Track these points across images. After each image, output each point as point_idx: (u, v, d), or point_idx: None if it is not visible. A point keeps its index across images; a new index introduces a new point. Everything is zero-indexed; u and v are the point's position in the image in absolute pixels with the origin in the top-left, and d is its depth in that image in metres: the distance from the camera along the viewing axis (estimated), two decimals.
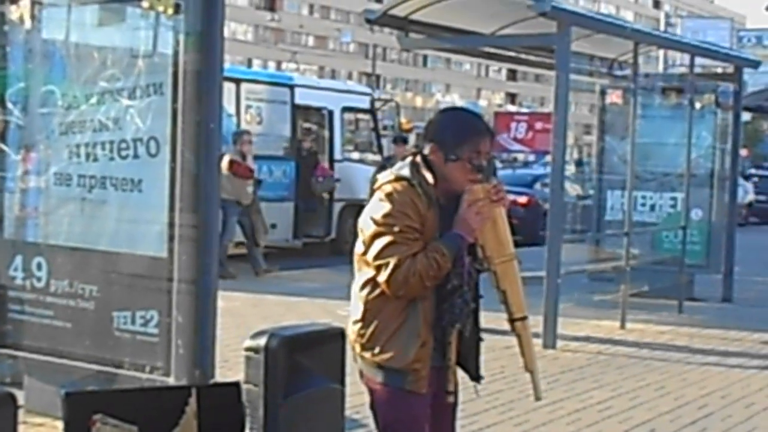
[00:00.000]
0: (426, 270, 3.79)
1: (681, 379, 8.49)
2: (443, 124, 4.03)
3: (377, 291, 3.91)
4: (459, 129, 3.96)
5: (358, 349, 3.99)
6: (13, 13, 5.53)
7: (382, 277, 3.82)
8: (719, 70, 15.65)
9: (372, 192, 4.03)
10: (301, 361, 4.56)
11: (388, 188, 3.89)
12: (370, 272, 3.91)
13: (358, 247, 3.96)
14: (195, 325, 5.00)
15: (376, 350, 3.91)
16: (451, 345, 3.97)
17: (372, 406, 4.05)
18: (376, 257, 3.83)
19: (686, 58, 12.95)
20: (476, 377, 4.19)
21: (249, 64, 71.55)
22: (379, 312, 3.90)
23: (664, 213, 13.27)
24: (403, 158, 4.06)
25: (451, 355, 3.99)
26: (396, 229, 3.80)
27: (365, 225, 3.90)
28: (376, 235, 3.83)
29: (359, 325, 3.96)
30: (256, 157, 14.32)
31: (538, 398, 4.26)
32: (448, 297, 3.89)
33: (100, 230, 5.38)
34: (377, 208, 3.87)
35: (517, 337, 4.19)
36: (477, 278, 4.03)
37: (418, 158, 3.97)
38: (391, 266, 3.78)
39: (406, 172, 3.92)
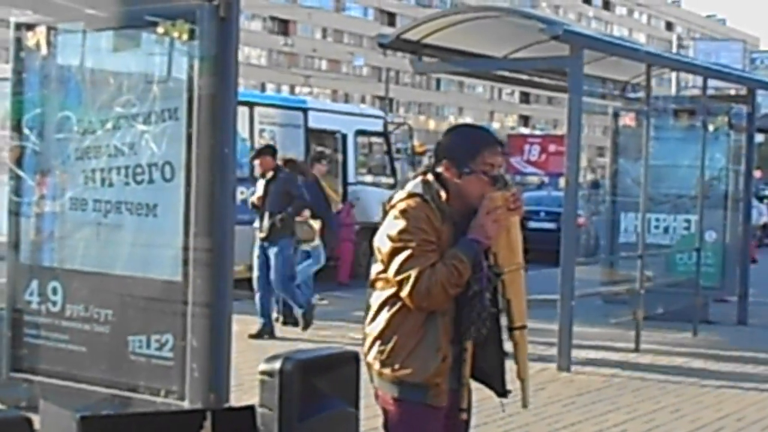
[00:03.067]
0: (447, 278, 3.82)
1: (696, 401, 8.46)
2: (453, 140, 4.09)
3: (396, 307, 3.94)
4: (470, 143, 4.02)
5: (377, 366, 4.01)
6: (29, 39, 5.56)
7: (405, 291, 3.85)
8: (732, 92, 15.67)
9: (385, 212, 4.07)
10: (316, 385, 4.56)
11: (402, 205, 3.94)
12: (389, 290, 3.94)
13: (375, 267, 4.00)
14: (210, 348, 5.01)
15: (396, 366, 3.94)
16: (466, 362, 3.99)
17: (386, 425, 4.06)
18: (397, 272, 3.86)
19: (699, 80, 12.96)
20: (502, 393, 4.20)
21: (263, 88, 71.76)
22: (398, 328, 3.94)
23: (678, 235, 13.27)
24: (415, 177, 4.10)
25: (465, 372, 4.00)
26: (413, 243, 3.85)
27: (382, 243, 3.95)
28: (394, 252, 3.88)
29: (378, 342, 3.99)
30: None
31: (525, 405, 4.32)
32: (469, 303, 3.91)
33: (116, 254, 5.40)
34: (392, 225, 3.92)
35: (514, 345, 4.22)
36: (496, 283, 4.04)
37: (429, 176, 4.02)
38: (412, 278, 3.82)
39: (418, 189, 3.97)
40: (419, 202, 3.92)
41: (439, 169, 4.02)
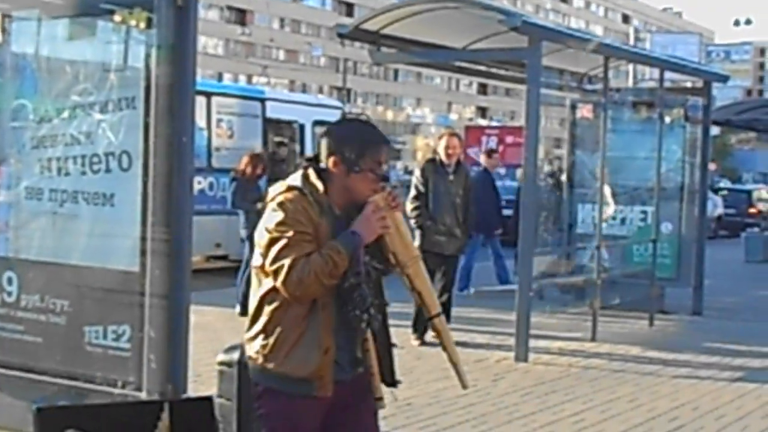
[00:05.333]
0: (321, 268, 3.81)
1: (652, 391, 8.53)
2: (343, 137, 4.04)
3: (277, 302, 3.93)
4: (359, 141, 4.00)
5: (260, 360, 3.97)
6: None
7: (279, 280, 3.84)
8: (688, 85, 15.81)
9: (264, 205, 4.06)
10: None
11: (280, 198, 3.94)
12: (268, 283, 3.93)
13: (256, 260, 3.99)
14: (167, 339, 4.98)
15: (280, 360, 3.93)
16: (368, 352, 4.00)
17: (267, 419, 4.01)
18: (273, 262, 3.86)
19: (656, 72, 13.05)
20: (392, 383, 4.19)
21: (220, 78, 71.48)
22: (279, 322, 3.92)
23: (634, 226, 13.35)
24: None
25: (372, 362, 4.01)
26: (289, 233, 3.84)
27: (260, 236, 3.95)
28: (271, 243, 3.87)
29: (261, 336, 3.96)
30: (228, 171, 14.21)
31: (464, 386, 4.36)
32: (347, 295, 3.90)
33: (72, 244, 5.35)
34: (271, 217, 3.91)
35: (437, 333, 4.27)
36: (378, 278, 4.06)
37: (311, 171, 4.01)
38: (286, 267, 3.81)
39: (297, 182, 3.98)
40: (297, 194, 3.92)
41: (329, 164, 3.98)
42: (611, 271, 11.83)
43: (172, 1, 4.83)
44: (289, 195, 3.93)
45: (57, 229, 5.39)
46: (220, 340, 8.65)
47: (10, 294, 5.57)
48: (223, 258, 16.26)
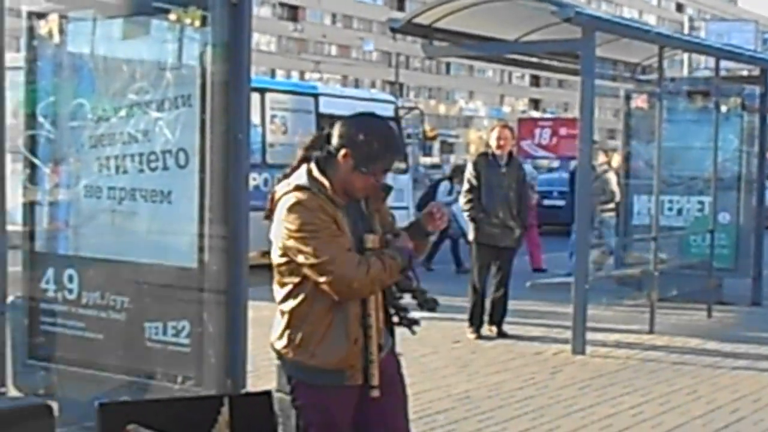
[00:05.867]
0: (379, 270, 3.85)
1: (712, 383, 8.45)
2: (362, 134, 4.00)
3: (300, 298, 3.95)
4: (380, 146, 3.99)
5: (291, 354, 4.00)
6: (41, 28, 5.57)
7: (325, 278, 3.83)
8: (745, 73, 15.57)
9: (272, 203, 4.03)
10: None
11: (292, 198, 3.91)
12: (291, 280, 3.95)
13: (277, 259, 3.98)
14: (226, 335, 5.02)
15: (309, 354, 3.95)
16: (371, 339, 3.99)
17: (303, 411, 4.05)
18: (313, 258, 3.83)
19: (711, 61, 12.89)
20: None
21: (272, 74, 71.78)
22: (305, 318, 3.94)
23: (691, 217, 13.22)
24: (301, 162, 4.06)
25: (373, 348, 4.00)
26: (318, 230, 3.84)
27: (284, 238, 3.91)
28: (302, 242, 3.84)
29: (289, 331, 3.99)
30: (282, 167, 14.26)
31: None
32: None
33: (131, 242, 5.41)
34: (290, 219, 3.88)
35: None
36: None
37: (314, 167, 3.99)
38: (333, 264, 3.80)
39: (304, 181, 3.95)
40: (308, 194, 3.90)
41: (338, 155, 3.96)
42: (669, 262, 11.72)
43: None
44: (301, 195, 3.91)
45: (116, 227, 5.45)
46: None
47: (71, 291, 5.65)
48: None
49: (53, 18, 5.54)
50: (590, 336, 9.59)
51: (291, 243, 3.88)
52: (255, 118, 15.57)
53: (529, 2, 10.13)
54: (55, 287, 5.72)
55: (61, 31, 5.59)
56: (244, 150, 5.03)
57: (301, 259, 3.86)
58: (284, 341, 4.02)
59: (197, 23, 4.97)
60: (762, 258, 13.21)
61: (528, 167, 16.00)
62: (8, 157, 5.54)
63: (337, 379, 3.95)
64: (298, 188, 3.93)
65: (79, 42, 5.65)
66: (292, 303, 3.97)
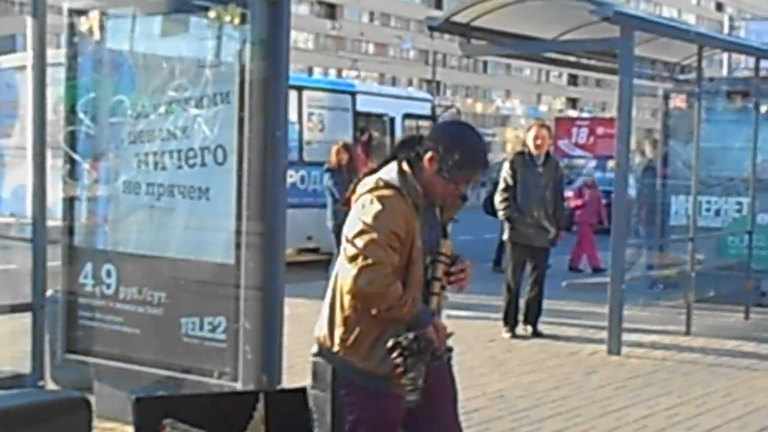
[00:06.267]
0: (394, 294, 3.83)
1: (749, 386, 8.39)
2: (452, 141, 4.01)
3: None
4: (465, 155, 3.98)
5: (341, 353, 4.01)
6: (82, 24, 5.62)
7: (352, 270, 3.82)
8: None
9: (355, 194, 4.03)
10: None
11: (378, 193, 3.92)
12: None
13: (343, 251, 3.97)
14: (262, 331, 5.05)
15: (360, 356, 3.97)
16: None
17: (351, 410, 4.05)
18: (356, 248, 3.83)
19: (751, 61, 12.79)
20: None
21: (310, 72, 71.92)
22: (361, 318, 3.94)
23: (729, 218, 13.11)
24: (391, 159, 4.05)
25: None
26: (381, 231, 3.83)
27: (351, 226, 3.91)
28: (360, 233, 3.85)
29: (341, 329, 3.99)
30: (319, 165, 14.26)
31: None
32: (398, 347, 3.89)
33: (168, 238, 5.46)
34: (366, 210, 3.89)
35: None
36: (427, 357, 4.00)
37: (406, 166, 3.99)
38: (367, 264, 3.80)
39: (395, 179, 3.95)
40: (395, 194, 3.90)
41: (424, 157, 3.97)
42: (706, 263, 11.65)
43: None
44: (387, 193, 3.91)
45: (154, 223, 5.50)
46: (312, 332, 8.73)
47: (109, 286, 5.70)
48: (315, 251, 16.37)
49: (94, 15, 5.59)
50: (626, 337, 9.54)
51: (353, 232, 3.88)
52: (292, 116, 15.63)
53: (567, 1, 10.09)
54: (94, 282, 5.77)
55: (102, 28, 5.64)
56: (282, 147, 5.06)
57: (350, 246, 3.86)
58: (336, 338, 4.02)
59: (236, 21, 5.00)
60: None
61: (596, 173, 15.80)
62: (48, 153, 5.61)
63: (387, 385, 3.95)
64: (387, 186, 3.94)
65: (119, 39, 5.70)
66: (348, 299, 3.95)
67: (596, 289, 11.25)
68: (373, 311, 3.90)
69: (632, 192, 14.33)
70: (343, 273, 3.94)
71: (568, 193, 16.69)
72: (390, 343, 3.84)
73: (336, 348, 4.03)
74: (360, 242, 3.84)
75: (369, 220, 3.86)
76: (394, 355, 3.82)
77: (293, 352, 6.59)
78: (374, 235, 3.82)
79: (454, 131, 4.14)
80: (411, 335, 3.83)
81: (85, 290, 5.81)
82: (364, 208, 3.91)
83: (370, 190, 3.95)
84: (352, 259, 3.85)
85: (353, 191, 4.06)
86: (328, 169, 12.66)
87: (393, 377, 3.91)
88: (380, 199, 3.89)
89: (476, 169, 4.04)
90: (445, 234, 4.09)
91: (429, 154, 3.98)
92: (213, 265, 5.24)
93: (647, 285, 12.10)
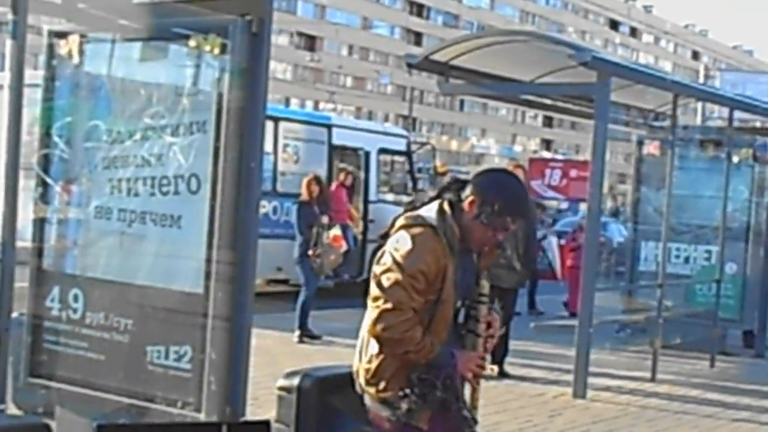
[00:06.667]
0: (411, 339, 3.86)
1: None
2: (496, 186, 4.06)
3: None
4: (506, 202, 4.01)
5: (363, 383, 4.05)
6: (62, 47, 5.60)
7: (374, 307, 3.88)
8: (758, 124, 15.61)
9: (393, 229, 4.06)
10: (333, 403, 4.58)
11: (414, 231, 3.95)
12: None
13: (372, 279, 4.01)
14: (228, 362, 5.02)
15: (381, 386, 3.99)
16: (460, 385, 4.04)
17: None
18: (380, 289, 3.88)
19: (725, 110, 12.92)
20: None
21: (287, 102, 72.01)
22: (384, 351, 3.97)
23: (698, 265, 13.20)
24: (435, 198, 4.10)
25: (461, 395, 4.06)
26: (408, 270, 3.86)
27: (382, 261, 3.96)
28: (386, 271, 3.90)
29: (366, 362, 4.04)
30: (292, 196, 14.25)
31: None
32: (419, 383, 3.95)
33: (138, 264, 5.42)
34: (399, 246, 3.93)
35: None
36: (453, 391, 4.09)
37: (446, 207, 4.02)
38: (389, 305, 3.85)
39: (433, 218, 3.98)
40: (431, 234, 3.93)
41: (465, 200, 4.01)
42: (673, 310, 11.70)
43: (247, 27, 4.90)
44: (422, 230, 3.94)
45: (124, 249, 5.46)
46: (278, 364, 8.69)
47: (75, 311, 5.65)
48: (284, 282, 16.34)
49: (74, 38, 5.57)
50: (592, 380, 9.56)
51: (382, 268, 3.91)
52: (268, 146, 15.64)
53: (546, 44, 10.18)
54: (60, 306, 5.72)
55: (81, 52, 5.62)
56: (256, 178, 5.05)
57: (374, 282, 3.91)
58: (360, 369, 4.07)
59: (216, 50, 5.00)
60: (767, 310, 13.17)
61: (617, 227, 15.76)
62: (21, 173, 5.56)
63: (403, 415, 3.96)
64: (423, 224, 3.97)
65: (98, 63, 5.67)
66: (370, 328, 3.98)
67: (564, 332, 11.27)
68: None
69: (620, 239, 14.43)
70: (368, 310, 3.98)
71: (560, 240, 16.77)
72: (401, 393, 3.92)
73: (362, 380, 4.06)
74: (385, 281, 3.88)
75: (398, 257, 3.89)
76: (403, 398, 3.90)
77: (258, 384, 6.56)
78: (399, 276, 3.85)
79: (497, 178, 4.19)
80: (417, 377, 3.90)
81: (51, 314, 5.76)
82: (397, 243, 3.95)
83: (406, 226, 3.99)
84: (375, 299, 3.91)
85: (391, 225, 4.09)
86: (298, 202, 12.67)
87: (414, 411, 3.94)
88: (413, 236, 3.92)
89: (515, 217, 4.06)
90: (478, 282, 4.12)
91: (470, 198, 4.02)
92: (181, 293, 5.20)
93: (615, 329, 12.15)
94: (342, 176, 17.08)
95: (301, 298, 12.12)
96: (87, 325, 5.59)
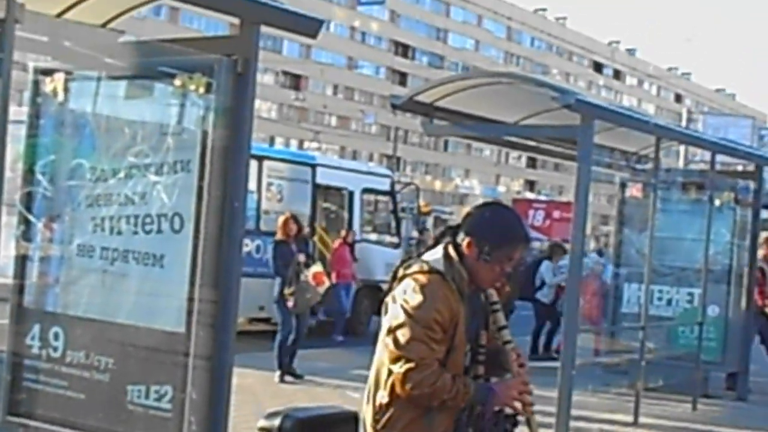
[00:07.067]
0: (442, 389, 3.78)
1: None
2: (486, 221, 4.02)
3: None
4: (501, 233, 3.98)
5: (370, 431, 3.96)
6: (47, 85, 5.61)
7: (398, 369, 3.80)
8: (740, 168, 15.70)
9: (395, 276, 4.00)
10: None
11: (422, 279, 3.87)
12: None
13: (384, 331, 3.93)
14: (209, 401, 4.99)
15: None
16: None
17: None
18: (398, 347, 3.80)
19: (707, 153, 13.00)
20: None
21: (272, 141, 72.11)
22: (395, 400, 3.88)
23: (680, 308, 13.22)
24: (434, 245, 4.05)
25: None
26: (422, 322, 3.78)
27: (395, 312, 3.86)
28: (401, 326, 3.81)
29: (377, 409, 3.93)
30: (274, 234, 14.21)
31: None
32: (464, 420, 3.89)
33: (119, 303, 5.40)
34: (407, 298, 3.84)
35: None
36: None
37: (452, 251, 3.96)
38: (412, 362, 3.76)
39: (440, 264, 3.91)
40: (440, 281, 3.86)
41: (463, 243, 3.96)
42: (656, 352, 11.70)
43: (232, 67, 4.92)
44: (432, 278, 3.87)
45: (106, 287, 5.44)
46: (259, 404, 8.65)
47: (56, 349, 5.62)
48: (266, 321, 16.29)
49: (59, 76, 5.58)
50: (573, 423, 9.52)
51: (396, 322, 3.83)
52: (251, 185, 15.64)
53: (530, 86, 10.22)
54: (40, 344, 5.68)
55: (66, 90, 5.62)
56: (240, 217, 5.05)
57: (390, 339, 3.82)
58: (370, 418, 3.96)
59: (201, 89, 5.01)
60: (749, 352, 13.19)
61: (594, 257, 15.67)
62: (3, 209, 5.55)
63: None
64: (431, 270, 3.90)
65: (83, 101, 5.68)
66: (387, 378, 3.88)
67: (546, 373, 11.24)
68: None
69: (608, 280, 14.42)
70: (387, 363, 3.87)
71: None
72: None
73: (369, 428, 3.96)
74: (401, 338, 3.79)
75: (410, 310, 3.81)
76: None
77: (239, 424, 6.53)
78: (415, 330, 3.78)
79: (485, 214, 4.13)
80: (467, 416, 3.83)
81: (31, 352, 5.72)
82: (405, 294, 3.86)
83: (413, 274, 3.91)
84: (396, 360, 3.81)
85: (396, 271, 4.02)
86: (275, 241, 12.67)
87: None
88: (422, 286, 3.85)
89: (515, 245, 4.01)
90: (486, 324, 4.04)
91: (466, 240, 3.96)
92: (163, 332, 5.18)
93: (598, 369, 12.13)
94: (344, 233, 17.11)
95: (278, 338, 12.09)
96: (67, 363, 5.56)
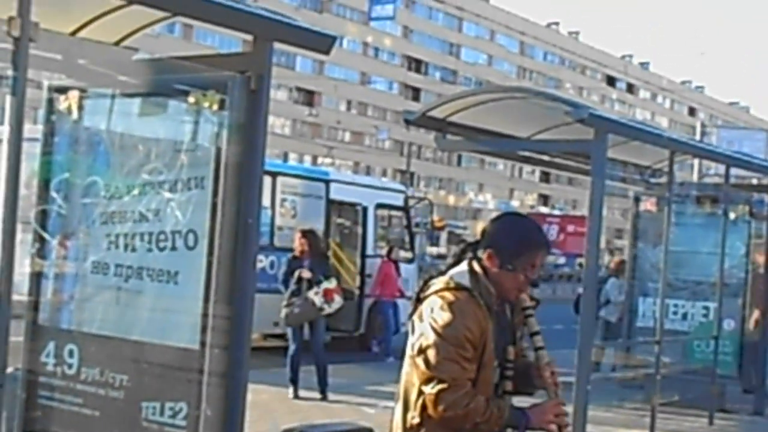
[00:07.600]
0: (477, 411, 3.75)
1: None
2: (504, 231, 4.00)
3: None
4: (519, 240, 3.96)
5: None
6: (61, 102, 5.63)
7: (430, 390, 3.76)
8: (754, 181, 15.66)
9: (422, 295, 3.96)
10: None
11: (450, 297, 3.84)
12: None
13: (412, 349, 3.88)
14: (224, 418, 4.99)
15: None
16: None
17: None
18: (429, 368, 3.76)
19: (721, 167, 12.97)
20: None
21: (285, 157, 72.25)
22: (428, 418, 3.83)
23: (696, 322, 13.17)
24: (457, 262, 4.01)
25: None
26: (452, 340, 3.74)
27: (425, 331, 3.81)
28: (432, 345, 3.77)
29: (407, 429, 3.89)
30: (289, 250, 14.25)
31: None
32: None
33: (134, 320, 5.41)
34: (435, 316, 3.80)
35: None
36: None
37: (477, 266, 3.93)
38: (444, 384, 3.73)
39: (465, 280, 3.88)
40: (467, 297, 3.83)
41: (483, 256, 3.93)
42: (671, 367, 11.66)
43: (246, 84, 4.94)
44: (460, 295, 3.84)
45: (120, 304, 5.45)
46: (274, 420, 8.64)
47: (70, 366, 5.63)
48: (280, 337, 16.27)
49: (73, 94, 5.60)
50: None
51: (426, 341, 3.79)
52: (265, 201, 15.66)
53: (543, 101, 10.21)
54: (55, 361, 5.69)
55: (80, 107, 5.64)
56: (254, 234, 5.06)
57: (420, 360, 3.79)
58: None
59: (215, 106, 5.02)
60: (766, 366, 13.11)
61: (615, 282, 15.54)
62: (19, 227, 5.56)
63: None
64: (458, 287, 3.87)
65: (97, 118, 5.70)
66: (420, 399, 3.85)
67: (562, 388, 11.21)
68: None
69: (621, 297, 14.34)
70: (416, 383, 3.84)
71: None
72: None
73: None
74: (432, 358, 3.75)
75: (440, 329, 3.77)
76: None
77: None
78: (446, 350, 3.74)
79: (502, 223, 4.12)
80: None
81: (46, 369, 5.73)
82: (433, 312, 3.83)
83: (440, 291, 3.88)
84: (427, 381, 3.77)
85: (422, 288, 3.99)
86: (291, 257, 12.69)
87: None
88: (450, 304, 3.81)
89: (535, 249, 3.98)
90: (513, 339, 4.02)
91: (487, 253, 3.93)
92: (177, 349, 5.19)
93: (613, 384, 12.09)
94: (387, 250, 17.09)
95: (289, 353, 12.09)
96: (82, 380, 5.56)
